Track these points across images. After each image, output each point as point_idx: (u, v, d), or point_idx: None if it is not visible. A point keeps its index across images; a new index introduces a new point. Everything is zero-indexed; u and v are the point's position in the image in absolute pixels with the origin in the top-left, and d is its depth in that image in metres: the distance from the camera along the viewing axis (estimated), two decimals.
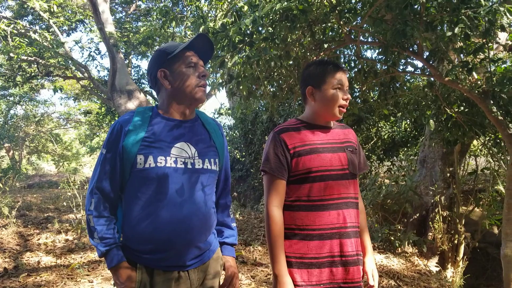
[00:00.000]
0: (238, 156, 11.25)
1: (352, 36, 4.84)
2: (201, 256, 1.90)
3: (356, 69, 5.32)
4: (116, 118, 14.69)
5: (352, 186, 2.09)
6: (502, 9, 3.59)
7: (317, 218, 2.00)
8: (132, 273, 1.78)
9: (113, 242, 1.79)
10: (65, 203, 9.13)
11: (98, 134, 21.55)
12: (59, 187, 13.98)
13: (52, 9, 11.16)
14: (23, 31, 12.28)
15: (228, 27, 4.37)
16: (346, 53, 5.70)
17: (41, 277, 4.51)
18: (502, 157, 5.96)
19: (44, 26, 13.41)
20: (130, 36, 13.23)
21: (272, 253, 1.99)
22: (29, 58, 11.33)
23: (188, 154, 1.87)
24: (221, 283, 2.05)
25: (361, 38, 4.94)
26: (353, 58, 5.46)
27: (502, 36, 5.45)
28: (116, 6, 15.79)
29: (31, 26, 13.46)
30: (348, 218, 2.03)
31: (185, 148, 1.87)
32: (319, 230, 2.00)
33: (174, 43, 1.93)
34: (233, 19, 4.40)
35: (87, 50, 14.66)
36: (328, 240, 1.99)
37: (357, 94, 5.66)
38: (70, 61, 11.66)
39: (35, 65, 12.62)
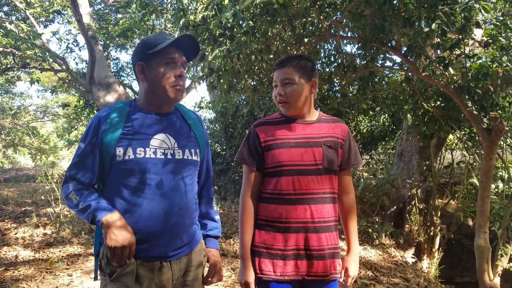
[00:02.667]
0: (219, 150, 11.23)
1: (332, 31, 4.89)
2: (184, 247, 1.92)
3: (335, 64, 5.37)
4: (95, 111, 14.53)
5: (327, 182, 2.10)
6: (477, 6, 3.68)
7: (284, 211, 2.06)
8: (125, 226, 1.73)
9: (97, 202, 1.75)
10: (43, 197, 9.01)
11: (76, 127, 21.22)
12: (36, 181, 13.78)
13: (28, 0, 10.94)
14: None
15: (208, 20, 4.36)
16: (326, 47, 5.75)
17: (19, 271, 4.47)
18: (477, 151, 6.11)
19: (20, 17, 13.13)
20: (109, 28, 13.05)
21: (240, 238, 2.11)
22: (5, 49, 11.10)
23: (168, 145, 1.88)
24: (205, 275, 2.08)
25: (341, 33, 4.99)
26: (333, 52, 5.52)
27: (478, 33, 5.57)
28: None
29: (7, 16, 13.17)
30: (317, 213, 2.06)
31: (164, 139, 1.88)
32: (286, 224, 2.05)
33: (159, 36, 1.91)
34: (213, 12, 4.39)
35: (65, 41, 14.46)
36: (294, 233, 2.05)
37: (337, 88, 5.72)
38: (47, 53, 11.44)
39: (11, 57, 12.36)
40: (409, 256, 6.33)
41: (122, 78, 15.91)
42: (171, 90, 1.88)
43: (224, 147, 11.06)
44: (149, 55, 1.86)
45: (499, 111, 4.40)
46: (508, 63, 4.11)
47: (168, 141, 1.89)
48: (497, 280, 4.95)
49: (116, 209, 1.79)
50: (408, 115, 5.20)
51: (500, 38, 4.17)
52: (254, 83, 5.41)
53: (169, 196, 1.83)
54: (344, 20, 4.72)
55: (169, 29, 11.44)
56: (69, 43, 14.04)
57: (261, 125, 2.16)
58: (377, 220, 6.42)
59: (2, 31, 11.05)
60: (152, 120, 1.90)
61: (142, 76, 1.88)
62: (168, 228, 1.83)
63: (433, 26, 3.78)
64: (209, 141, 8.67)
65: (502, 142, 5.53)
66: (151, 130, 1.87)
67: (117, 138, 1.80)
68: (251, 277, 2.06)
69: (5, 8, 13.38)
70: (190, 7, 7.84)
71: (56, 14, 13.80)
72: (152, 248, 1.82)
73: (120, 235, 1.66)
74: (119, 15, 14.80)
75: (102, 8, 15.53)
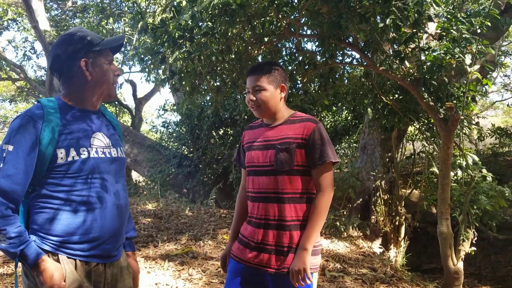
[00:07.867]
0: (186, 152, 11.16)
1: (292, 29, 4.95)
2: (119, 250, 1.91)
3: (296, 62, 5.44)
4: None
5: (285, 182, 2.12)
6: (428, 0, 3.82)
7: (249, 207, 2.28)
8: (57, 265, 1.71)
9: (25, 240, 1.66)
10: None
11: None
12: None
13: None
14: None
15: (167, 22, 4.35)
16: (287, 46, 5.82)
17: None
18: (436, 141, 6.29)
19: None
20: None
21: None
22: None
23: (105, 144, 1.88)
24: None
25: (300, 31, 5.06)
26: (293, 50, 5.59)
27: (431, 26, 5.75)
28: (51, 3, 15.19)
29: None
30: (266, 211, 2.14)
31: (101, 138, 1.88)
32: (250, 218, 2.25)
33: (93, 33, 1.91)
34: (172, 15, 4.38)
35: (21, 49, 14.07)
36: (255, 227, 2.17)
37: (299, 86, 5.79)
38: (3, 62, 11.14)
39: None
40: (376, 246, 6.47)
41: None
42: (113, 87, 1.93)
43: (191, 149, 11.00)
44: (95, 52, 1.86)
45: (455, 101, 4.55)
46: (460, 55, 4.26)
47: (104, 140, 1.89)
48: (460, 265, 5.12)
49: (60, 211, 1.74)
50: (369, 109, 5.33)
51: (452, 30, 4.32)
52: (218, 84, 5.41)
53: (114, 195, 1.84)
54: (303, 19, 4.79)
55: (127, 32, 11.31)
56: (26, 51, 13.67)
57: (248, 129, 2.38)
58: (344, 213, 6.54)
59: None
60: (87, 118, 1.87)
61: (88, 73, 1.85)
62: (111, 226, 1.82)
63: (388, 21, 3.89)
64: (176, 144, 8.54)
65: (458, 131, 5.72)
66: (90, 129, 1.85)
67: (56, 139, 1.73)
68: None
69: None
70: (148, 10, 7.78)
71: (11, 22, 13.42)
72: (93, 247, 1.78)
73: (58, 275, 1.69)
74: (77, 20, 14.51)
75: (59, 14, 15.19)
